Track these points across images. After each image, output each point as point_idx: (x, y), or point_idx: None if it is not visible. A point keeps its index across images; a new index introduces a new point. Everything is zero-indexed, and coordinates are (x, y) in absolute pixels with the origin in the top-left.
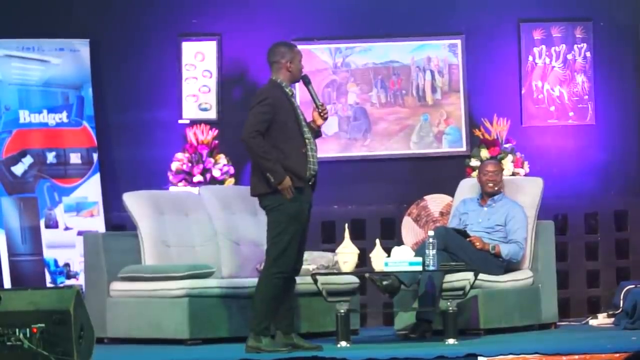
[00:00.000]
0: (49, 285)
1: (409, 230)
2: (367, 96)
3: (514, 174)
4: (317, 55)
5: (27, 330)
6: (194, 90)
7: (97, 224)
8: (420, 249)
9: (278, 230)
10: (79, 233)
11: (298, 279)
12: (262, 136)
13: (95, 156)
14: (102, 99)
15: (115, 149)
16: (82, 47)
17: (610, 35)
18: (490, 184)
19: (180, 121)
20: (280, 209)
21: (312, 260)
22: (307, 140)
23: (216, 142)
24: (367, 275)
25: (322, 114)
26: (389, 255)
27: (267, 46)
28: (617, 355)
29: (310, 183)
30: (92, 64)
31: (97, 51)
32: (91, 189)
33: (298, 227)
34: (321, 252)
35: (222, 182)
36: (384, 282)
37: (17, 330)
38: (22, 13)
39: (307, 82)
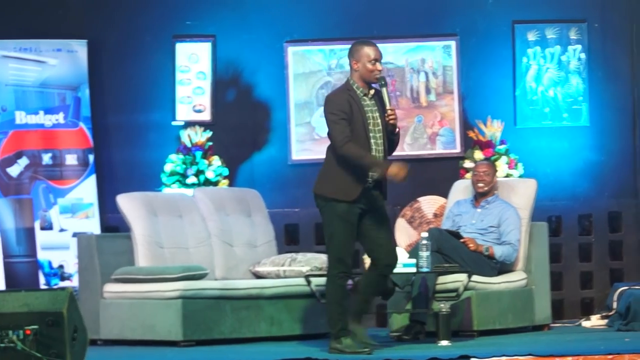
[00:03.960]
0: (42, 286)
1: (403, 231)
2: None
3: (507, 176)
4: (311, 57)
5: (21, 331)
6: (188, 91)
7: (93, 225)
8: (413, 251)
9: (330, 230)
10: (74, 235)
11: (291, 281)
12: (351, 140)
13: (91, 157)
14: (99, 100)
15: (111, 150)
16: (80, 48)
17: (605, 37)
18: (480, 184)
19: (174, 123)
20: (327, 209)
21: (306, 261)
22: (372, 142)
23: (210, 143)
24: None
25: (388, 119)
26: None
27: (261, 48)
28: (611, 356)
29: (370, 185)
30: (89, 65)
31: (95, 52)
32: (87, 190)
33: (348, 226)
34: (314, 254)
35: (215, 183)
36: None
37: (10, 331)
38: (19, 14)
39: (381, 85)
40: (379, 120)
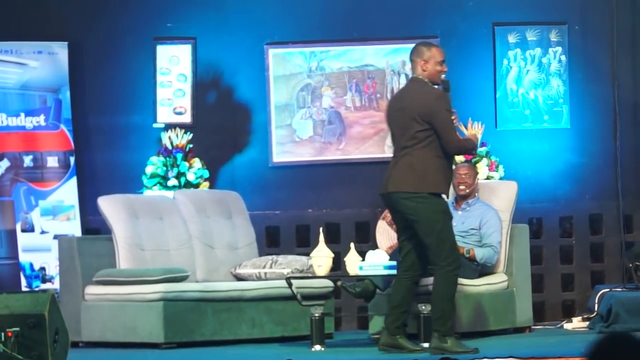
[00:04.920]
0: (24, 289)
1: (384, 234)
2: (342, 100)
3: (488, 178)
4: (292, 59)
5: (2, 334)
6: (168, 94)
7: (74, 227)
8: (395, 253)
9: (437, 226)
10: (55, 237)
11: (272, 283)
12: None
13: (72, 159)
14: (80, 102)
15: (92, 152)
16: (61, 50)
17: (585, 39)
18: (462, 187)
19: (154, 125)
20: (428, 205)
21: (287, 264)
22: None
23: (191, 146)
24: (338, 284)
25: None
26: (363, 259)
27: (241, 50)
28: None
29: None
30: (70, 67)
31: (75, 54)
32: (68, 192)
33: (450, 221)
34: (295, 256)
35: (196, 185)
36: (357, 289)
37: None
38: None
39: (446, 89)
40: None
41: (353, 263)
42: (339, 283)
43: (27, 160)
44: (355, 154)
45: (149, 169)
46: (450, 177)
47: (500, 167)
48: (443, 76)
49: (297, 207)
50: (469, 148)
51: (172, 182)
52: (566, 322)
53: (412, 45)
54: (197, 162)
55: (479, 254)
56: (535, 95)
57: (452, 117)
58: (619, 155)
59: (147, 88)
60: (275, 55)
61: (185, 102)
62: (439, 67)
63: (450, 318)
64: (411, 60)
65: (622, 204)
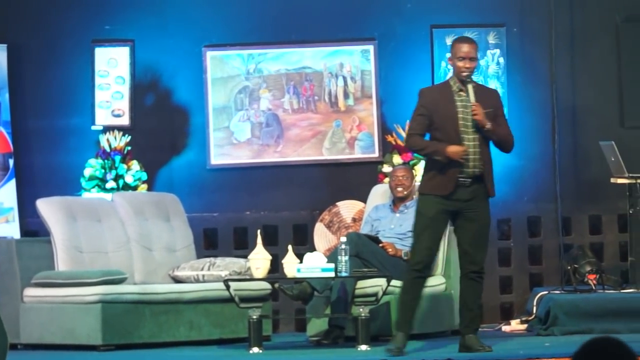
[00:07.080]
0: None
1: (321, 236)
2: (280, 102)
3: None
4: (230, 62)
5: None
6: (106, 96)
7: (13, 230)
8: (332, 255)
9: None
10: None
11: (210, 286)
12: (419, 135)
13: (11, 162)
14: (19, 104)
15: (31, 154)
16: (0, 52)
17: (523, 41)
18: (400, 189)
19: (93, 127)
20: (420, 203)
21: (225, 266)
22: (464, 136)
23: (129, 148)
24: (276, 286)
25: (472, 115)
26: (301, 262)
27: (179, 53)
28: None
29: (467, 185)
30: (9, 69)
31: (14, 56)
32: (7, 194)
33: (424, 220)
34: (233, 258)
35: (134, 188)
36: (295, 291)
37: None
38: None
39: (466, 82)
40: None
41: (291, 265)
42: (276, 285)
43: None
44: (293, 157)
45: (87, 172)
46: (449, 175)
47: None
48: (465, 73)
49: (234, 210)
50: (426, 152)
51: (111, 184)
52: (504, 325)
53: (350, 47)
54: (135, 165)
55: None
56: None
57: (474, 114)
58: (557, 158)
59: (85, 90)
60: (213, 58)
61: (124, 105)
62: (459, 62)
63: (399, 315)
64: None
65: (561, 206)
